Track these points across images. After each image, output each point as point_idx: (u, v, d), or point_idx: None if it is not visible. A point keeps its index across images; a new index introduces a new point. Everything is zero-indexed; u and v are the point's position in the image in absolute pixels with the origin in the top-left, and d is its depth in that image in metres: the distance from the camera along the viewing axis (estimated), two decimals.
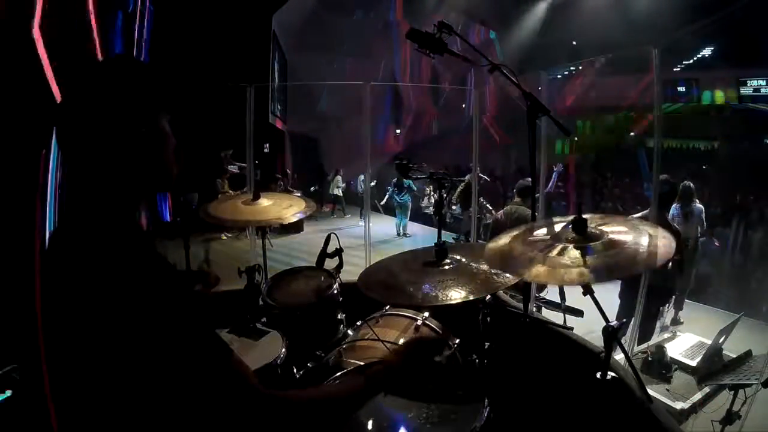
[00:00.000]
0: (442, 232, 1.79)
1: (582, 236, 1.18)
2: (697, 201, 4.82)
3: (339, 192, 12.25)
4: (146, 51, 6.78)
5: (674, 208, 4.59)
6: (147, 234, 0.99)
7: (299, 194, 10.61)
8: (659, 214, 3.43)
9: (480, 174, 5.97)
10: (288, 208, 2.31)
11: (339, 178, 12.32)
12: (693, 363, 2.43)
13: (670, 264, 3.64)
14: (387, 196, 9.88)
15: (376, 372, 0.93)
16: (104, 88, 0.85)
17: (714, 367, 2.35)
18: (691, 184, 4.73)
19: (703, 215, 4.81)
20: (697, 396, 2.23)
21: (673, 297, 4.23)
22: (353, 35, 13.97)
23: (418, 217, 10.88)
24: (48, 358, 0.82)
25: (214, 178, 8.40)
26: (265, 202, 2.32)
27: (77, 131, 0.84)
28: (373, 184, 12.07)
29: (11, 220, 1.86)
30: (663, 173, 3.58)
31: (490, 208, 7.03)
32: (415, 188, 9.57)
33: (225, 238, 8.51)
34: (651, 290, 3.38)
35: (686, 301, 4.96)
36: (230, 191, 8.40)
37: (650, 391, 1.73)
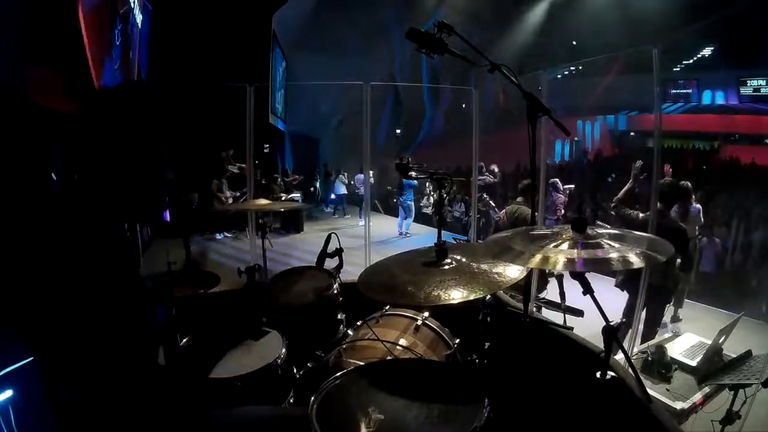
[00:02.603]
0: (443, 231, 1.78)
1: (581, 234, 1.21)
2: (695, 201, 4.81)
3: (343, 190, 12.28)
4: (146, 52, 6.79)
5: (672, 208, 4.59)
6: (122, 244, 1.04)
7: (299, 195, 10.60)
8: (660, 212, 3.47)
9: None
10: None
11: (341, 176, 12.34)
12: (693, 363, 2.42)
13: (677, 262, 3.66)
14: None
15: None
16: (110, 114, 0.89)
17: (714, 367, 2.35)
18: (689, 184, 4.72)
19: (701, 215, 4.80)
20: (697, 396, 2.22)
21: (673, 298, 4.23)
22: (353, 35, 13.97)
23: (417, 217, 10.87)
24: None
25: (213, 179, 8.40)
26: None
27: (80, 148, 0.88)
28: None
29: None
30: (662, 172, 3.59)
31: (493, 205, 7.03)
32: (416, 183, 9.43)
33: (225, 238, 8.52)
34: (650, 291, 3.38)
35: (686, 301, 4.97)
36: (227, 192, 8.40)
37: (650, 391, 1.73)
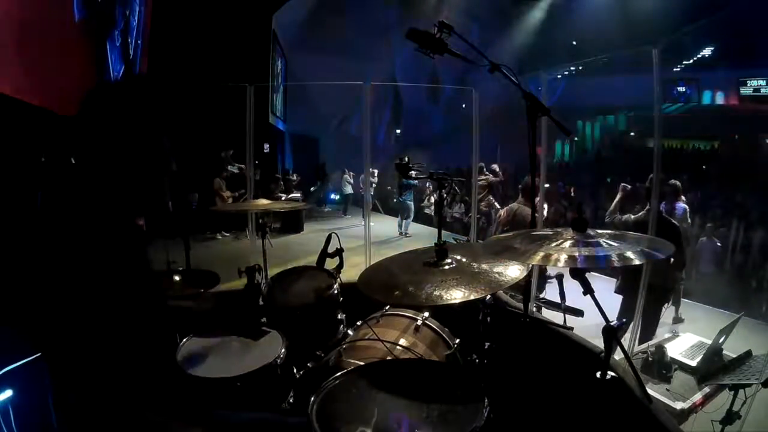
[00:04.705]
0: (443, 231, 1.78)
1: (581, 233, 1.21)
2: (682, 200, 4.80)
3: (350, 190, 12.29)
4: (145, 52, 6.78)
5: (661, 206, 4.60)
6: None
7: (299, 196, 10.59)
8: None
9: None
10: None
11: (347, 176, 12.34)
12: (693, 363, 2.42)
13: (671, 261, 3.68)
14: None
15: None
16: (113, 109, 0.89)
17: (714, 367, 2.35)
18: (678, 183, 4.70)
19: (687, 214, 4.79)
20: (697, 396, 2.22)
21: (671, 297, 4.25)
22: (353, 35, 13.98)
23: (417, 217, 10.85)
24: None
25: (213, 178, 8.40)
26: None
27: (83, 146, 0.88)
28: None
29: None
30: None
31: (498, 206, 7.02)
32: (416, 183, 9.40)
33: (223, 237, 8.51)
34: (650, 289, 3.39)
35: (687, 301, 4.96)
36: (228, 192, 8.40)
37: (650, 391, 1.73)
